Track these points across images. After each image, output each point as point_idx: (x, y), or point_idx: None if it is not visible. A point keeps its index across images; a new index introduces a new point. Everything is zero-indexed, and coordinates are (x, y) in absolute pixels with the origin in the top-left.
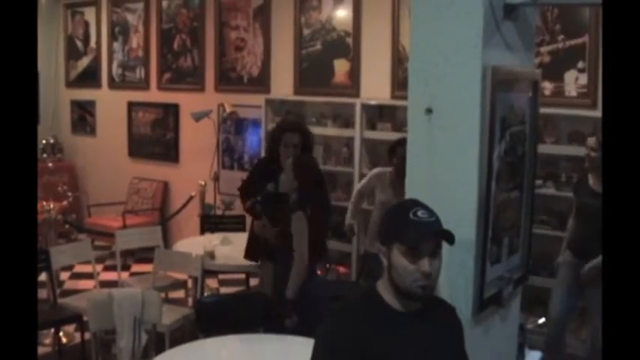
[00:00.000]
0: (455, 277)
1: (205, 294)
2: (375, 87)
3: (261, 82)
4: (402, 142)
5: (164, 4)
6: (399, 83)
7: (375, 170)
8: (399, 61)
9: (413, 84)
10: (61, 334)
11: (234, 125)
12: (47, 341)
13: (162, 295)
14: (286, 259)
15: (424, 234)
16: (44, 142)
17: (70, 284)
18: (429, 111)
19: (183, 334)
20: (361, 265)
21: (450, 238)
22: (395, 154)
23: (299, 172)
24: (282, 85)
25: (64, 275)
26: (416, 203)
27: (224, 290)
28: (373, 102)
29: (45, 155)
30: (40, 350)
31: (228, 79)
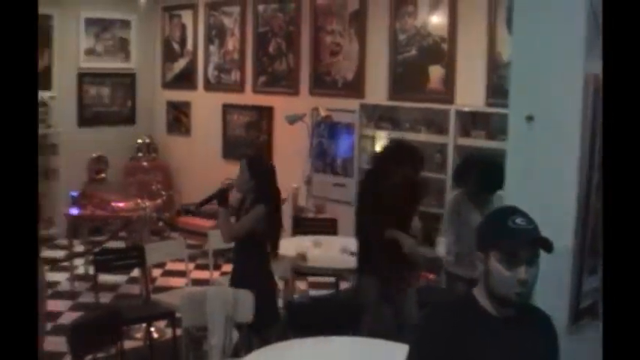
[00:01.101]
0: (551, 286)
1: (295, 295)
2: (470, 93)
3: (355, 87)
4: (473, 165)
5: (260, 7)
6: (494, 90)
7: (452, 196)
8: (494, 67)
9: (513, 92)
10: (152, 329)
11: (327, 129)
12: (139, 335)
13: (252, 294)
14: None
15: (522, 241)
16: (140, 141)
17: (161, 281)
18: (529, 119)
19: (273, 333)
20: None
21: (548, 246)
22: (469, 176)
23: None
24: (377, 90)
25: (156, 272)
26: (514, 210)
27: (313, 293)
28: (467, 109)
29: (140, 154)
30: (132, 344)
31: (322, 83)
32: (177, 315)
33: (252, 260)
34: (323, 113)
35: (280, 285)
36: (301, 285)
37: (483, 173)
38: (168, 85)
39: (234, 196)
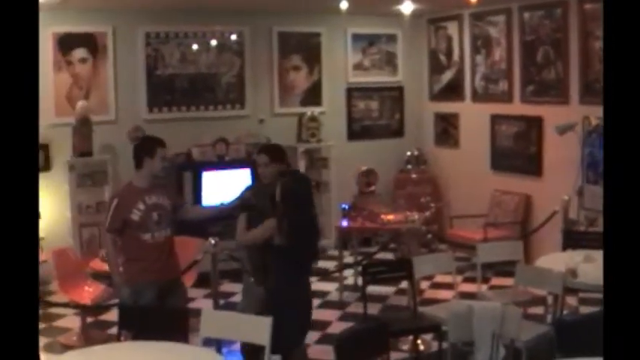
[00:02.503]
0: None
1: (564, 312)
2: None
3: None
4: None
5: (526, 15)
6: None
7: None
8: None
9: None
10: (419, 341)
11: (599, 139)
12: (405, 347)
13: (521, 310)
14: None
15: None
16: (409, 153)
17: (429, 293)
18: None
19: (541, 352)
20: None
21: None
22: None
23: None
24: None
25: (424, 284)
26: None
27: (583, 309)
28: None
29: (409, 166)
30: (398, 356)
31: (593, 91)
32: (444, 328)
33: (283, 273)
34: (594, 122)
35: (549, 300)
36: (571, 301)
37: None
38: (435, 96)
39: None
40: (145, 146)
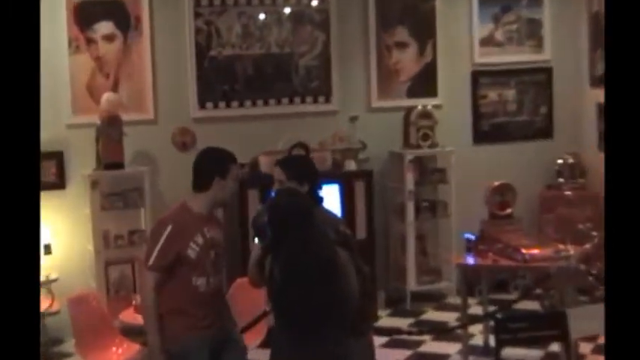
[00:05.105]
0: None
1: None
2: None
3: None
4: None
5: None
6: None
7: None
8: None
9: None
10: None
11: None
12: None
13: None
14: None
15: None
16: (561, 161)
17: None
18: None
19: None
20: None
21: None
22: None
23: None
24: None
25: (585, 347)
26: None
27: None
28: None
29: (562, 180)
30: None
31: None
32: None
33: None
34: None
35: None
36: None
37: None
38: (599, 81)
39: None
40: (215, 162)
